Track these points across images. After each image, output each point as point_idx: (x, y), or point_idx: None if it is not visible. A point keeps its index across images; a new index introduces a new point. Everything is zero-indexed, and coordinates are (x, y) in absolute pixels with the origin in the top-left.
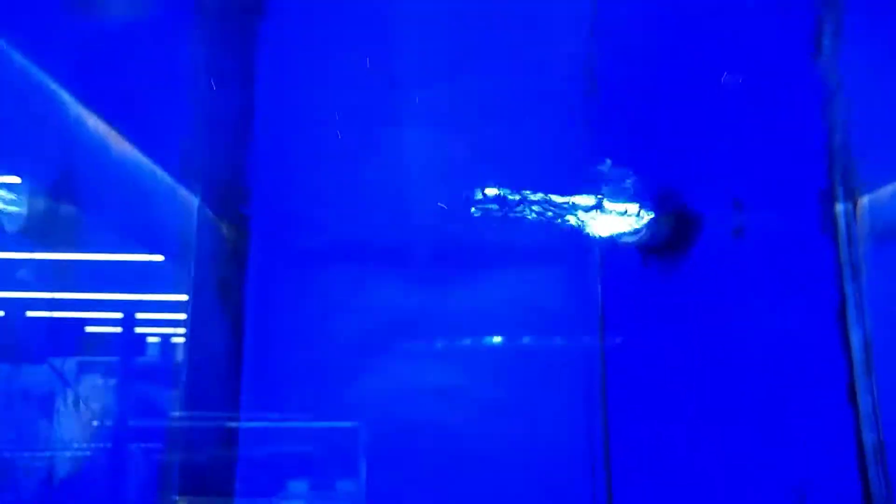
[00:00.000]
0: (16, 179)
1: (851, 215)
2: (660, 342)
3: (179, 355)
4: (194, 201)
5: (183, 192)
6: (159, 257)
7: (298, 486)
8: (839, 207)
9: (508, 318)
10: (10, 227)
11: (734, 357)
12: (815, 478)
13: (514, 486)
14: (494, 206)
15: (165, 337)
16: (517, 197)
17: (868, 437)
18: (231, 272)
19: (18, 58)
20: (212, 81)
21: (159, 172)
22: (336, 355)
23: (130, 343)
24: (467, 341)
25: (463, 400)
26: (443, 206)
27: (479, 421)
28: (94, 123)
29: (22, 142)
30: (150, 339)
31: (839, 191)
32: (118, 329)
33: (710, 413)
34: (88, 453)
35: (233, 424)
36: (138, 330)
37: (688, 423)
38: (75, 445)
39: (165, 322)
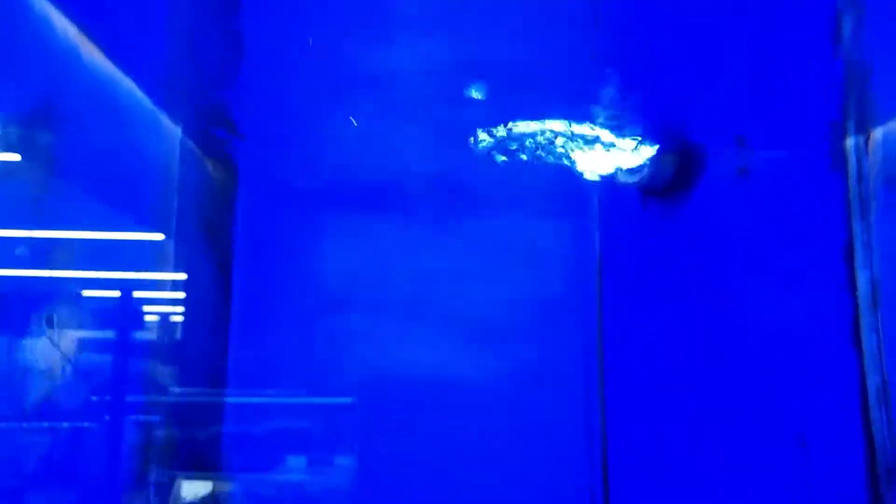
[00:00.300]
0: None
1: (863, 150)
2: (660, 287)
3: (164, 302)
4: (177, 132)
5: (164, 119)
6: (140, 193)
7: (295, 461)
8: (850, 142)
9: (502, 265)
10: None
11: (736, 300)
12: (816, 421)
13: (508, 431)
14: (490, 141)
15: (148, 283)
16: (516, 130)
17: (872, 380)
18: (217, 213)
19: None
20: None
21: (137, 93)
22: (327, 303)
23: (108, 287)
24: (460, 288)
25: (457, 353)
26: (353, 120)
27: (473, 371)
28: (69, 31)
29: None
30: (133, 287)
31: (851, 123)
32: (99, 274)
33: (711, 356)
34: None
35: (221, 398)
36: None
37: (689, 367)
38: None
39: (148, 262)
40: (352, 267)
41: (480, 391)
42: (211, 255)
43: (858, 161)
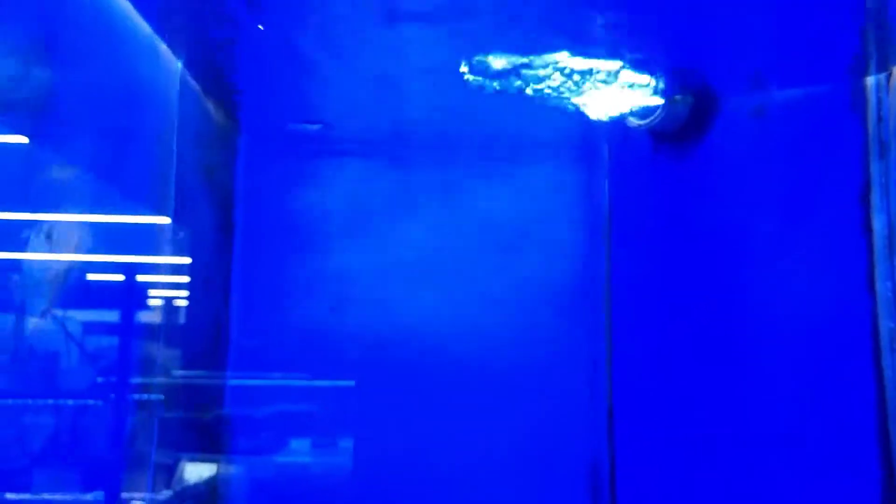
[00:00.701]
0: None
1: (884, 88)
2: (672, 234)
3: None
4: (177, 65)
5: (164, 49)
6: (138, 130)
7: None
8: (870, 80)
9: (507, 215)
10: None
11: (749, 246)
12: (827, 363)
13: (515, 396)
14: (485, 77)
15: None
16: (518, 63)
17: (884, 325)
18: (219, 158)
19: None
20: None
21: (135, 15)
22: (331, 255)
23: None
24: (465, 242)
25: (460, 304)
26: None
27: (477, 323)
28: None
29: None
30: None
31: (872, 61)
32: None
33: (724, 302)
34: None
35: (224, 380)
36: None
37: (701, 312)
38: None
39: (147, 208)
40: (353, 214)
41: (486, 348)
42: (211, 202)
43: (879, 101)
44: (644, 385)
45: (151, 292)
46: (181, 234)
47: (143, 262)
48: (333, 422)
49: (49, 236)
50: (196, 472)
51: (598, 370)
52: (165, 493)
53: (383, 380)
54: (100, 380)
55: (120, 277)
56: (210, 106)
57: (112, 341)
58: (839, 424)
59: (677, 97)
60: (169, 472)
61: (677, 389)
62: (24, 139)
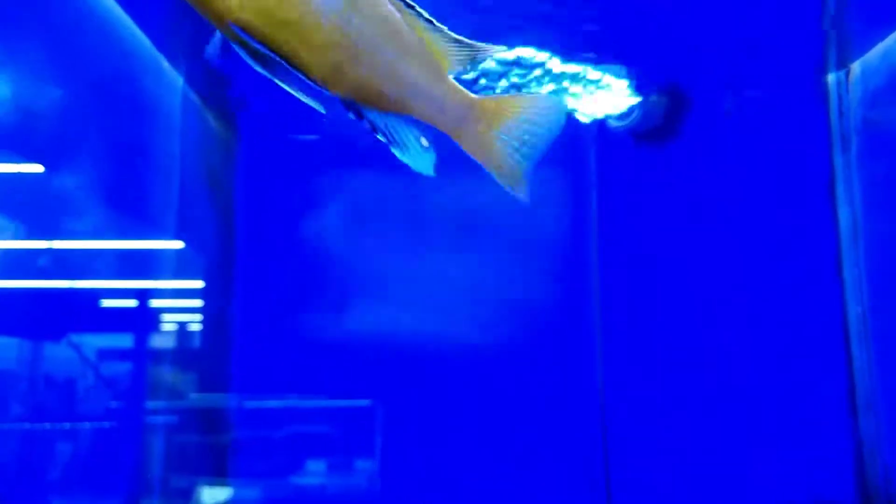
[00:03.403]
0: None
1: (843, 84)
2: (654, 222)
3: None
4: (178, 80)
5: (166, 65)
6: (145, 137)
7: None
8: (831, 77)
9: (504, 210)
10: None
11: (725, 234)
12: (800, 348)
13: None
14: (476, 73)
15: (155, 228)
16: (511, 62)
17: (852, 310)
18: (219, 165)
19: None
20: None
21: (138, 33)
22: (330, 260)
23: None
24: (463, 235)
25: (460, 307)
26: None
27: (473, 332)
28: None
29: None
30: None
31: (832, 59)
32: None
33: (702, 285)
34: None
35: (239, 403)
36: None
37: (681, 293)
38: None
39: (154, 209)
40: (352, 227)
41: (488, 354)
42: (214, 207)
43: (840, 97)
44: (633, 374)
45: (161, 316)
46: (186, 251)
47: (151, 287)
48: (347, 442)
49: None
50: (211, 495)
51: (591, 362)
52: None
53: (383, 392)
54: (114, 404)
55: (131, 302)
56: (210, 117)
57: (125, 366)
58: (812, 410)
59: (653, 98)
60: (185, 496)
61: (663, 382)
62: (39, 167)
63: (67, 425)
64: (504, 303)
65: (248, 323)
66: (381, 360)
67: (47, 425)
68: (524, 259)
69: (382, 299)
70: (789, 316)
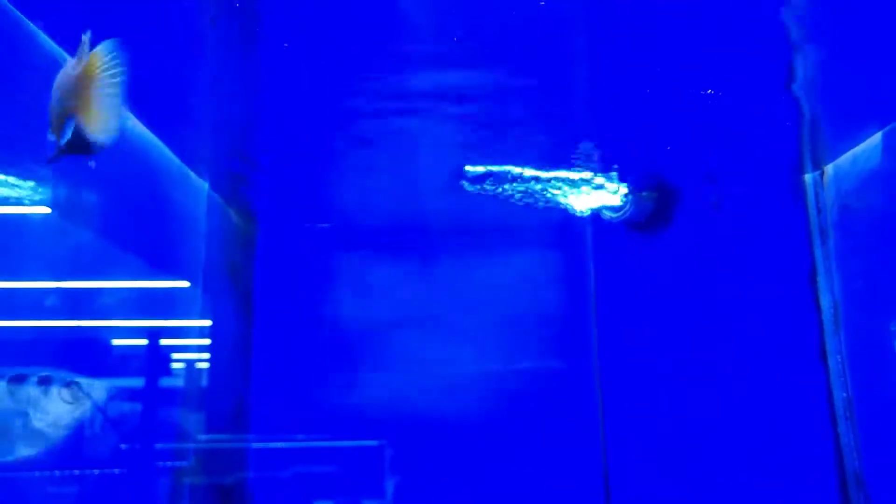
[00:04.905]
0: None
1: (819, 184)
2: (648, 307)
3: (191, 349)
4: (204, 186)
5: (192, 175)
6: (173, 242)
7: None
8: (808, 177)
9: (510, 291)
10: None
11: (714, 319)
12: (787, 433)
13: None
14: (485, 187)
15: (178, 305)
16: (507, 172)
17: (838, 395)
18: (240, 256)
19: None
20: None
21: (167, 152)
22: (343, 340)
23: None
24: (470, 320)
25: (467, 380)
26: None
27: (483, 396)
28: None
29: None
30: (168, 323)
31: (807, 161)
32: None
33: (691, 369)
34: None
35: (246, 442)
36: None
37: (671, 367)
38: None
39: (180, 301)
40: (367, 303)
41: (490, 418)
42: (234, 296)
43: (816, 195)
44: (636, 442)
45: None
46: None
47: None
48: (356, 483)
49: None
50: None
51: (592, 418)
52: None
53: (398, 442)
54: (124, 447)
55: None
56: (231, 212)
57: (136, 407)
58: (804, 491)
59: (644, 194)
60: None
61: (658, 428)
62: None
63: (75, 467)
64: (509, 375)
65: (263, 396)
66: (386, 432)
67: (56, 471)
68: (527, 335)
69: (391, 372)
70: (775, 403)
